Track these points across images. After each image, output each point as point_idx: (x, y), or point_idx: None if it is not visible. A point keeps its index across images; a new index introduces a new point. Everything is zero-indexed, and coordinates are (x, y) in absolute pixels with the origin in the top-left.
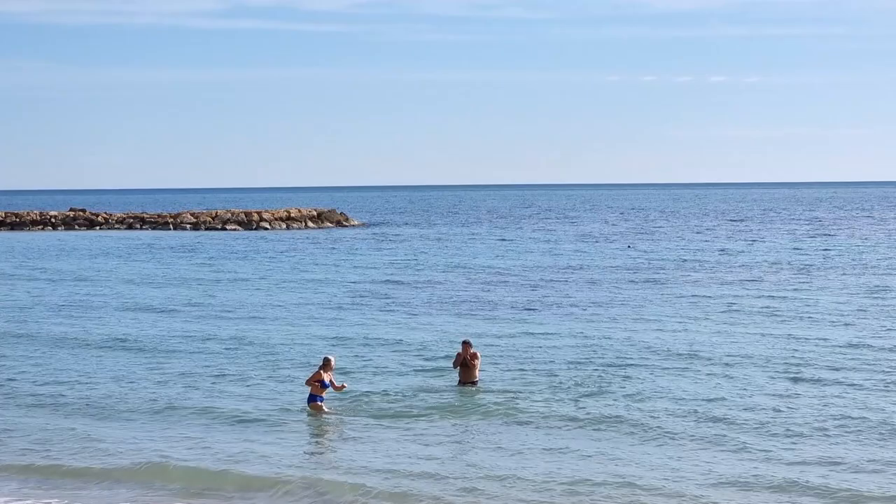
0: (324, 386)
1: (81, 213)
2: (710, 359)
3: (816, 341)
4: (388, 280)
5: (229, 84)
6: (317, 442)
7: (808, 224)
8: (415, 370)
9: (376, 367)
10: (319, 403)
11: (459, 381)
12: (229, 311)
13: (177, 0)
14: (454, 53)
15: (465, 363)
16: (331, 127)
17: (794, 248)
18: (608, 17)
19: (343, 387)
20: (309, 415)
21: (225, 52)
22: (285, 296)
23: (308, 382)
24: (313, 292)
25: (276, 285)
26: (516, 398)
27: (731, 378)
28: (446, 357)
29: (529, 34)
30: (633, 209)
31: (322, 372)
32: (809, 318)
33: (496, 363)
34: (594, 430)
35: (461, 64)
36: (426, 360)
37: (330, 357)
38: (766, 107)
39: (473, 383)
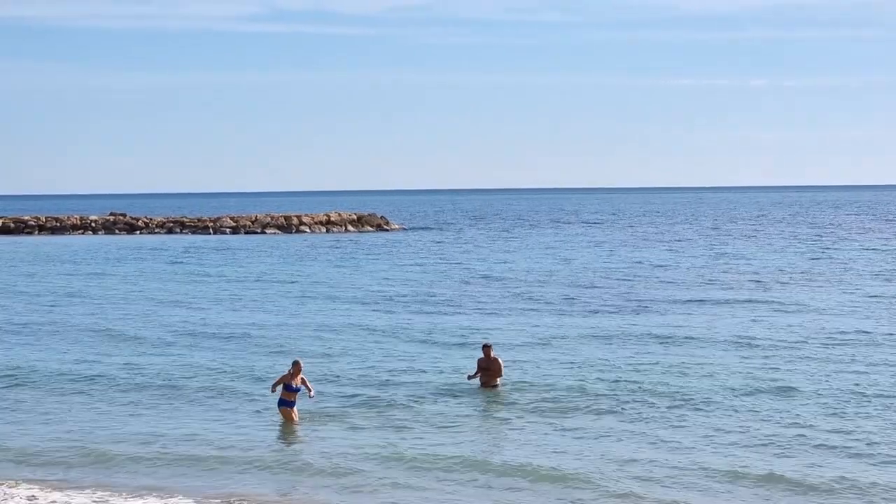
0: (294, 390)
1: (121, 218)
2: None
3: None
4: (424, 283)
5: (265, 87)
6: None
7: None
8: (434, 374)
9: (404, 368)
10: (290, 409)
11: (481, 385)
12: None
13: (213, 5)
14: (490, 57)
15: (486, 367)
16: (365, 130)
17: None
18: (644, 21)
19: (311, 392)
20: (282, 423)
21: (261, 55)
22: (323, 298)
23: (279, 385)
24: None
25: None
26: (533, 403)
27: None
28: (466, 359)
29: (565, 38)
30: (671, 213)
31: (293, 376)
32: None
33: (523, 369)
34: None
35: (496, 67)
36: (446, 363)
37: (299, 360)
38: (804, 110)
39: (494, 387)
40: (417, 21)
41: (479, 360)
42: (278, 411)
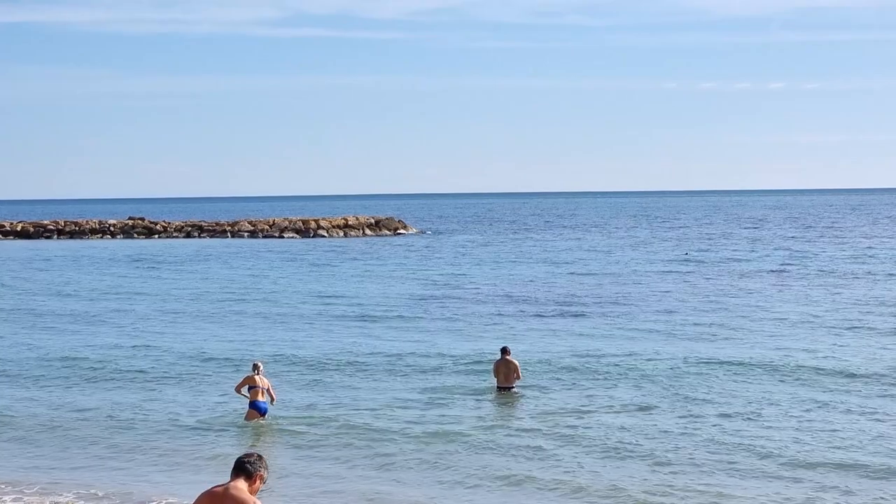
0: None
1: (140, 222)
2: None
3: None
4: (435, 286)
5: (276, 92)
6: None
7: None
8: (446, 377)
9: (411, 371)
10: (258, 412)
11: (497, 387)
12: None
13: (236, 9)
14: (514, 60)
15: (502, 369)
16: (388, 134)
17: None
18: (668, 24)
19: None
20: (253, 427)
21: (284, 60)
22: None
23: (238, 389)
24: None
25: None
26: (543, 409)
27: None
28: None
29: (589, 41)
30: (687, 216)
31: (257, 377)
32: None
33: (537, 372)
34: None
35: (521, 71)
36: (460, 366)
37: (258, 362)
38: (825, 113)
39: (509, 389)
40: (444, 25)
41: (495, 362)
42: (260, 416)
